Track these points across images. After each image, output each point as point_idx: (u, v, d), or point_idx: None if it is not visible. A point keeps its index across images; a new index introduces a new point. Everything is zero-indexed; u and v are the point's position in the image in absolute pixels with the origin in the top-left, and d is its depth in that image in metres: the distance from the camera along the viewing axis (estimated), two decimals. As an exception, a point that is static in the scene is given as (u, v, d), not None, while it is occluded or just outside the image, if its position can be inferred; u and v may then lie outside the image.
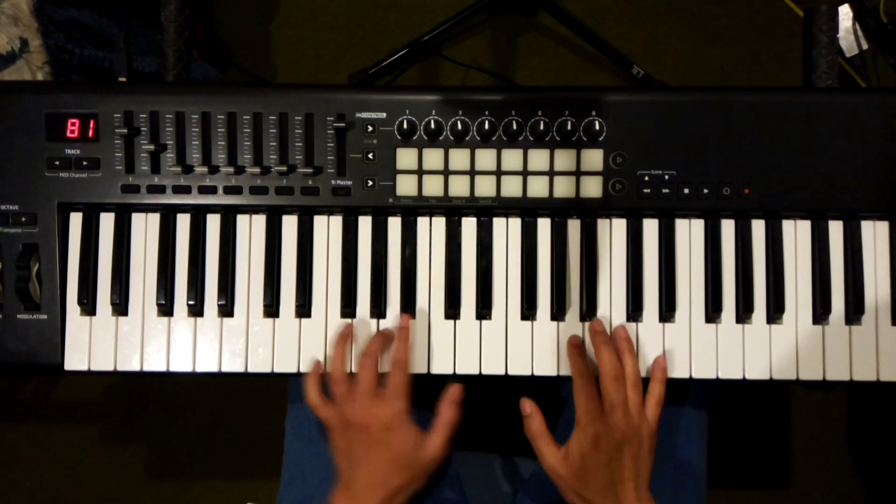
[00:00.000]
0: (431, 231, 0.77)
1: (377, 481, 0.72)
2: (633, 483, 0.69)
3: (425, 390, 0.78)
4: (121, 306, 0.75)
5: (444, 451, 0.75)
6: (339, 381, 0.74)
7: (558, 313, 0.75)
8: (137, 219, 0.76)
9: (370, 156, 0.75)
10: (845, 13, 1.45)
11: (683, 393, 0.85)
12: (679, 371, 0.75)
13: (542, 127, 0.74)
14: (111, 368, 0.75)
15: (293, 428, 0.87)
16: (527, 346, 0.76)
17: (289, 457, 0.87)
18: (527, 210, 0.76)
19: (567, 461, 0.71)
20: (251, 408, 1.46)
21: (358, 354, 0.75)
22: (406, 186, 0.75)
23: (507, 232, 0.77)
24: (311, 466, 0.84)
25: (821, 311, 0.75)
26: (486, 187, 0.75)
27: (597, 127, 0.74)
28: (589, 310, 0.75)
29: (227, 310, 0.76)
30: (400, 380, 0.73)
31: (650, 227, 0.76)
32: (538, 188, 0.75)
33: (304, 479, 0.84)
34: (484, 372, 0.75)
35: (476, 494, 0.96)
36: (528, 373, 0.76)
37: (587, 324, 0.75)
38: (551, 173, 0.75)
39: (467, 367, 0.75)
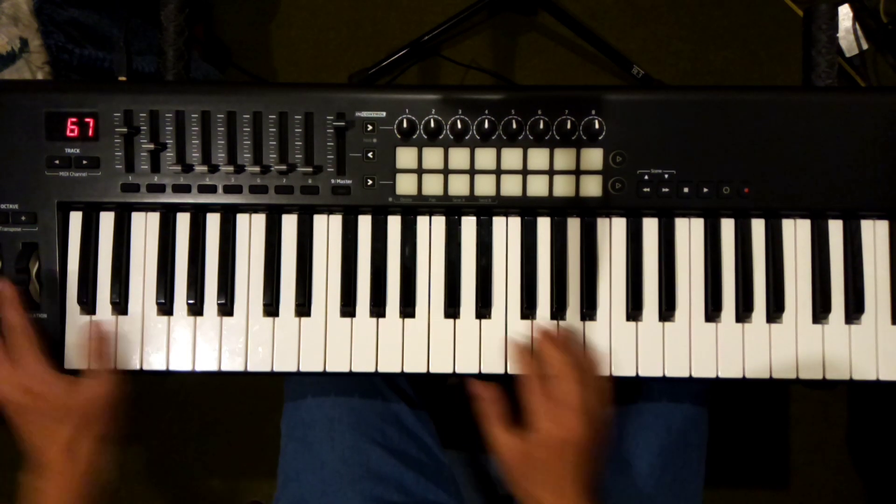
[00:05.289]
0: (431, 230, 0.77)
1: (48, 439, 0.71)
2: (581, 479, 0.67)
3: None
4: (120, 305, 0.75)
5: (100, 388, 0.72)
6: None
7: (558, 312, 0.75)
8: (137, 218, 0.76)
9: (370, 155, 0.75)
10: (845, 13, 1.45)
11: (684, 392, 0.85)
12: (679, 370, 0.75)
13: (541, 126, 0.74)
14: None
15: (288, 429, 0.87)
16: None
17: (284, 459, 0.86)
18: (526, 209, 0.76)
19: (514, 453, 0.69)
20: (251, 407, 1.46)
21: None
22: (406, 185, 0.75)
23: (506, 231, 0.77)
24: (306, 468, 0.83)
25: (820, 311, 0.75)
26: (485, 186, 0.75)
27: (596, 126, 0.74)
28: (588, 309, 0.75)
29: (226, 309, 0.76)
30: (23, 342, 0.71)
31: (650, 226, 0.76)
32: (538, 187, 0.75)
33: (300, 481, 0.83)
34: (483, 371, 0.75)
35: (472, 496, 0.95)
36: (528, 372, 0.75)
37: (587, 323, 0.76)
38: (551, 172, 0.75)
39: (467, 367, 0.75)
